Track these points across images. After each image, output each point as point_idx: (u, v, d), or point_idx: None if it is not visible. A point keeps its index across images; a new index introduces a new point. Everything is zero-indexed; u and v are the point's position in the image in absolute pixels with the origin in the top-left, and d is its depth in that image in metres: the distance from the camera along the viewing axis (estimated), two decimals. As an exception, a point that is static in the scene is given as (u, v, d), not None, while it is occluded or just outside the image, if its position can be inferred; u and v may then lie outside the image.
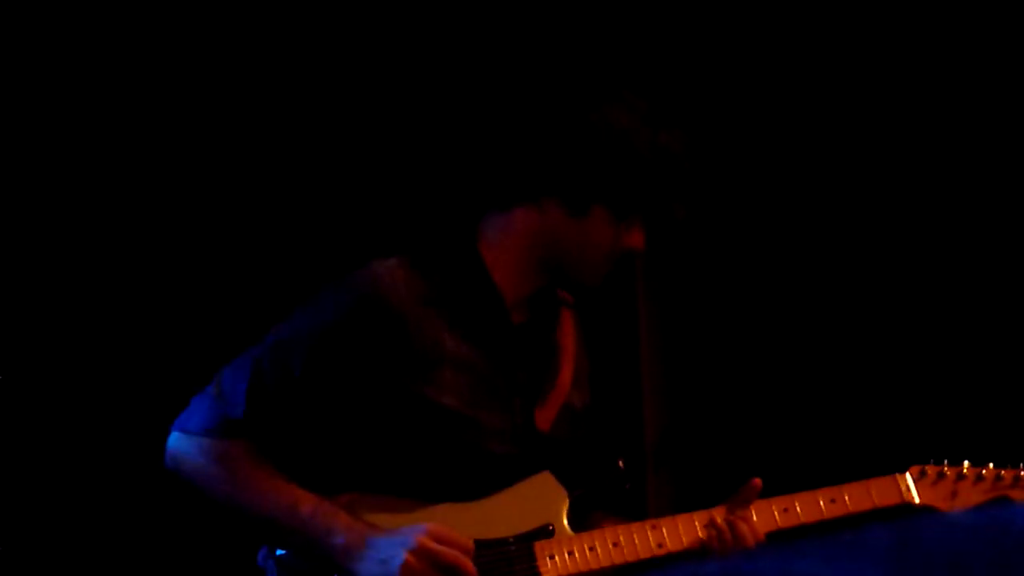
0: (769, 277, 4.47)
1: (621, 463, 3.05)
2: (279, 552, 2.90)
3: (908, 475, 2.93)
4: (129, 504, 4.11)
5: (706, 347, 4.51)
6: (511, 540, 2.89)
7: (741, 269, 4.51)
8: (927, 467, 2.92)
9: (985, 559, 0.70)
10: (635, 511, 3.13)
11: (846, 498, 2.91)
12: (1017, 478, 2.93)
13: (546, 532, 2.90)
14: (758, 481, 2.89)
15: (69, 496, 4.11)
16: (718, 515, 2.89)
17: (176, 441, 2.92)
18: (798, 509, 2.89)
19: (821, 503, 2.90)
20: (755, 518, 2.88)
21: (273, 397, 2.85)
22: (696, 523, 2.89)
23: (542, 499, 2.93)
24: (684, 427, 4.51)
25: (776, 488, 2.91)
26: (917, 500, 2.91)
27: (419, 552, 2.77)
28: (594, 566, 2.86)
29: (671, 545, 2.87)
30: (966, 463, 2.94)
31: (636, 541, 2.87)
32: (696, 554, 2.83)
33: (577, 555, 2.88)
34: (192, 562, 4.11)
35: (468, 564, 2.80)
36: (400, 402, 2.87)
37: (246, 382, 2.85)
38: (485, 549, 2.87)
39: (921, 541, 0.73)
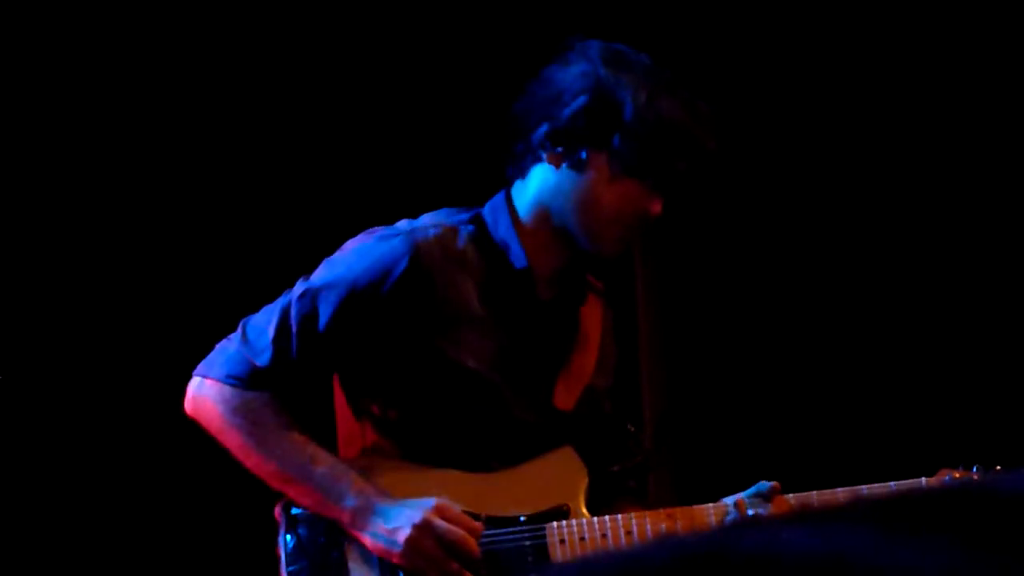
0: (768, 264, 4.47)
1: (639, 437, 3.08)
2: (294, 511, 2.89)
3: (935, 480, 2.85)
4: (128, 502, 4.11)
5: (705, 334, 4.51)
6: (524, 519, 2.87)
7: (741, 258, 4.50)
8: (955, 472, 2.85)
9: (973, 518, 0.65)
10: (641, 495, 3.10)
11: None
12: None
13: (561, 513, 2.89)
14: (777, 485, 2.86)
15: (69, 496, 4.11)
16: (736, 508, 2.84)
17: (198, 387, 2.90)
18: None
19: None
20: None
21: (299, 344, 2.84)
22: (713, 515, 2.83)
23: (561, 476, 2.91)
24: (683, 415, 4.49)
25: (777, 477, 2.86)
26: None
27: (425, 527, 2.77)
28: None
29: None
30: (998, 469, 2.85)
31: (650, 531, 2.82)
32: None
33: (589, 542, 2.86)
34: (197, 549, 4.10)
35: (472, 544, 2.80)
36: (423, 359, 2.87)
37: (274, 329, 2.84)
38: (497, 527, 2.86)
39: (910, 503, 0.67)
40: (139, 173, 4.18)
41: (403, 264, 2.82)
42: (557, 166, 2.88)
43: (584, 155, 2.85)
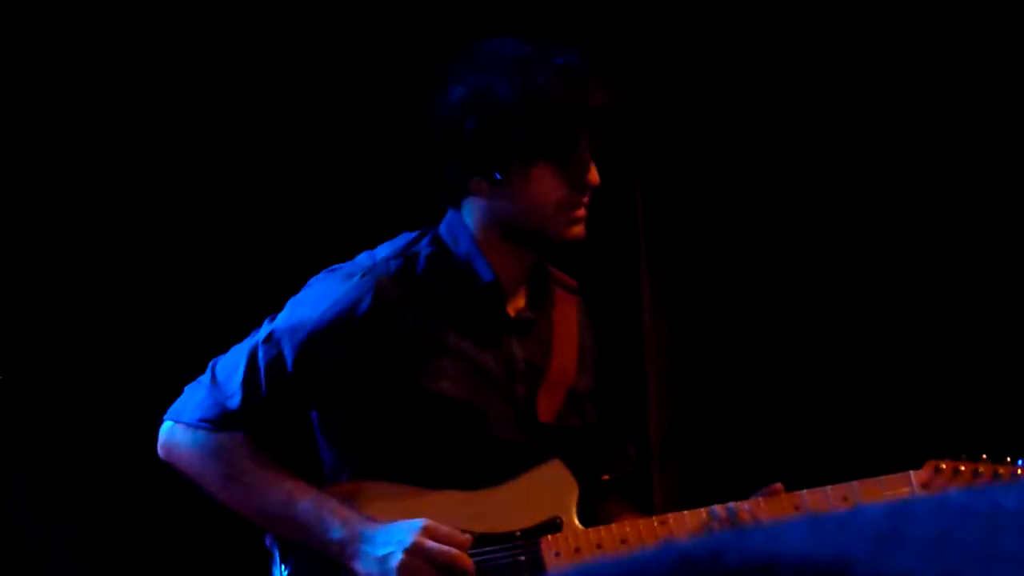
0: (775, 268, 4.46)
1: (631, 448, 3.03)
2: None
3: (923, 472, 2.86)
4: (129, 500, 4.09)
5: (711, 341, 4.49)
6: (518, 534, 2.86)
7: (747, 261, 4.49)
8: (942, 463, 2.85)
9: (973, 537, 0.66)
10: (642, 500, 3.10)
11: (858, 496, 2.84)
12: None
13: (554, 526, 2.87)
14: (779, 487, 2.84)
15: (68, 495, 4.10)
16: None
17: (170, 432, 2.90)
18: (810, 507, 2.84)
19: (832, 501, 2.84)
20: (765, 515, 2.82)
21: (268, 387, 2.83)
22: (705, 518, 2.83)
23: (551, 489, 2.90)
24: (690, 422, 4.48)
25: (785, 481, 2.86)
26: None
27: (415, 550, 2.75)
28: None
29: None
30: (984, 458, 2.86)
31: (644, 538, 2.82)
32: None
33: (584, 553, 2.84)
34: (198, 550, 4.08)
35: (466, 560, 2.78)
36: (398, 392, 2.85)
37: (242, 372, 2.83)
38: (490, 544, 2.84)
39: (910, 519, 0.68)
40: (142, 179, 4.18)
41: (366, 303, 2.81)
42: (483, 192, 2.86)
43: (497, 173, 2.83)
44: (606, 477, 2.99)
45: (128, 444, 3.97)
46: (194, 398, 2.87)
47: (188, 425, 2.86)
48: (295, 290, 2.95)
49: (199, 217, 4.22)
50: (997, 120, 4.26)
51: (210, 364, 2.90)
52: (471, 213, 2.90)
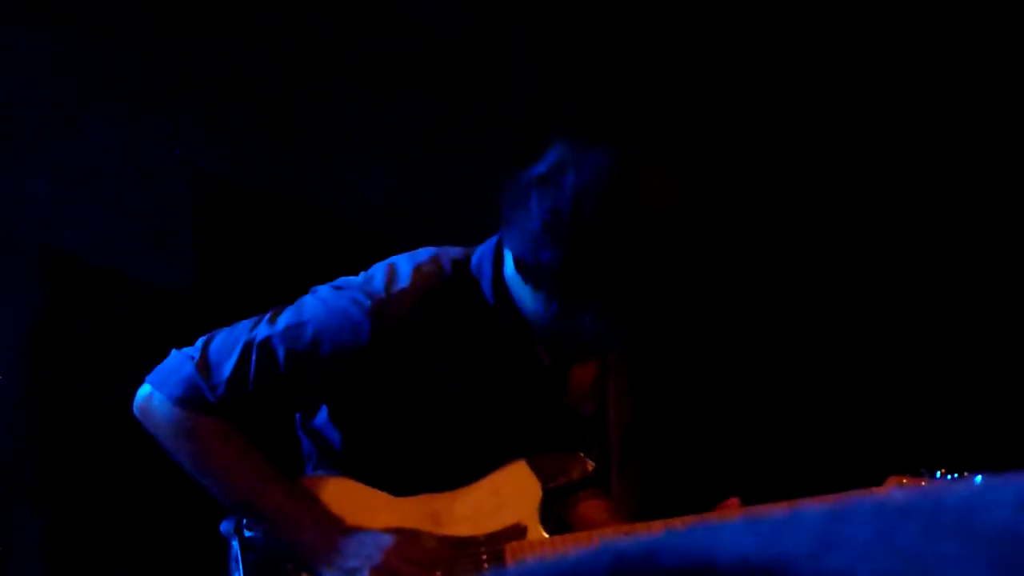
0: (738, 274, 4.46)
1: (594, 446, 3.05)
2: (248, 534, 2.85)
3: (883, 489, 2.85)
4: (124, 497, 4.09)
5: (671, 345, 4.49)
6: (482, 540, 2.86)
7: (705, 264, 4.49)
8: (903, 478, 2.85)
9: (912, 538, 0.65)
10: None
11: None
12: None
13: (518, 532, 2.87)
14: (735, 501, 2.83)
15: (67, 494, 4.10)
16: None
17: (148, 398, 2.83)
18: None
19: None
20: None
21: (256, 387, 2.78)
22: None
23: (515, 493, 2.89)
24: (648, 427, 4.48)
25: (742, 486, 2.86)
26: None
27: (384, 570, 2.74)
28: None
29: None
30: (941, 472, 2.86)
31: None
32: None
33: None
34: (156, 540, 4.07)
35: None
36: (382, 415, 2.84)
37: (232, 365, 2.78)
38: (456, 550, 2.84)
39: (850, 520, 0.68)
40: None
41: (368, 338, 2.74)
42: (527, 277, 2.73)
43: (544, 294, 2.71)
44: (571, 479, 2.99)
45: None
46: (179, 372, 2.81)
47: (167, 398, 2.81)
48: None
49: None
50: (938, 125, 4.28)
51: (203, 339, 2.84)
52: (511, 264, 2.78)
